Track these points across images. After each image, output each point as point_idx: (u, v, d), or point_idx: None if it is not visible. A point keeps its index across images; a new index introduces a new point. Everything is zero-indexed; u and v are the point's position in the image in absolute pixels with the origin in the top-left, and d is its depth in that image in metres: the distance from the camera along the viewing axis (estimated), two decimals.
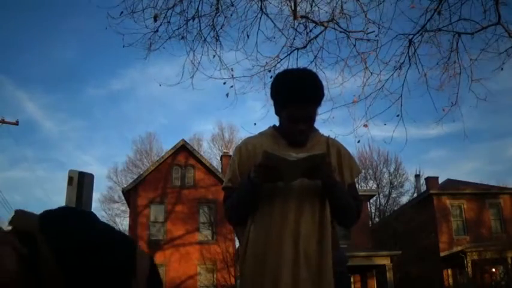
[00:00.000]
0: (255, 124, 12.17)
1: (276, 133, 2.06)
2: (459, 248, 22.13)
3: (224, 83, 6.96)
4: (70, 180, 3.26)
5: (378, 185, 33.47)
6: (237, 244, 26.44)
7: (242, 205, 1.94)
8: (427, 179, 27.79)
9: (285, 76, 2.06)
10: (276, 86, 2.03)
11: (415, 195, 31.12)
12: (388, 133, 6.90)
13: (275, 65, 6.85)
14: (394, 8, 6.44)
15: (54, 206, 1.68)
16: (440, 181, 27.46)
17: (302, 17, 6.64)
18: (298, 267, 1.80)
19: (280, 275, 1.78)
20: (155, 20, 6.36)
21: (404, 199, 33.58)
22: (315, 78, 1.99)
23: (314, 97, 1.96)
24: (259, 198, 1.91)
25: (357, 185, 2.12)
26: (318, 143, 2.03)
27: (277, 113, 2.05)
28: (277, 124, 2.10)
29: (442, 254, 23.71)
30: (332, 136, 2.16)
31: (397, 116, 6.73)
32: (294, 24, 6.73)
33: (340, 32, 6.61)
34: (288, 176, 1.85)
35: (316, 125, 2.08)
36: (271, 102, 2.07)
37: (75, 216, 1.55)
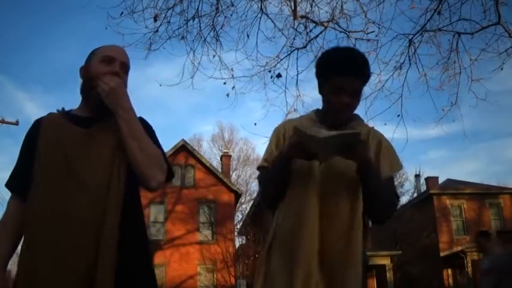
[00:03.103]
0: (255, 124, 12.23)
1: (316, 116, 1.99)
2: (459, 248, 22.13)
3: (224, 83, 6.98)
4: None
5: None
6: (237, 244, 26.41)
7: (273, 183, 1.87)
8: (427, 179, 27.78)
9: (332, 49, 2.02)
10: (322, 58, 1.97)
11: (415, 195, 31.11)
12: (389, 133, 6.90)
13: (275, 65, 6.86)
14: (394, 8, 6.46)
15: None
16: (440, 181, 27.45)
17: (302, 17, 6.64)
18: (323, 268, 1.75)
19: (311, 270, 1.73)
20: (155, 20, 6.37)
21: (404, 199, 33.57)
22: (362, 54, 1.95)
23: (360, 69, 1.88)
24: (289, 178, 1.83)
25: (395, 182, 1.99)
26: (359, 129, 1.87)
27: (321, 91, 1.98)
28: (320, 108, 2.03)
29: (442, 254, 23.69)
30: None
31: (398, 116, 6.75)
32: (294, 24, 6.74)
33: (340, 32, 6.62)
34: (321, 154, 1.76)
35: None
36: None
37: None
